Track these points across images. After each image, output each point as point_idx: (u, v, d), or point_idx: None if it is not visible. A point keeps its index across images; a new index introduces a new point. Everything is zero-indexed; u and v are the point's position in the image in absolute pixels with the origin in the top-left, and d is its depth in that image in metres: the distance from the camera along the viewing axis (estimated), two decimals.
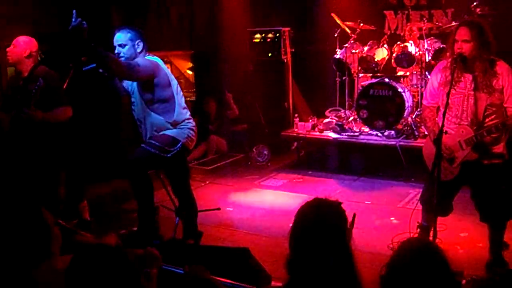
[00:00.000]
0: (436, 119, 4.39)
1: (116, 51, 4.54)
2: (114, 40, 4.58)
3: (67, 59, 5.71)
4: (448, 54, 4.33)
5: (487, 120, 4.14)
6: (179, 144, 4.69)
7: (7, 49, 5.13)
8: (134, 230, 5.29)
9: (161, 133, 4.69)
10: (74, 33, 4.02)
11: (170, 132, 4.69)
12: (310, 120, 8.16)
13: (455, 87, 4.14)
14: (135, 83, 4.69)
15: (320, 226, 2.33)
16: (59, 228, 2.71)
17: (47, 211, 2.66)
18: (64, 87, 5.37)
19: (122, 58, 4.51)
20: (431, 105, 4.46)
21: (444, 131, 3.94)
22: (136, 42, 4.58)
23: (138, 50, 4.59)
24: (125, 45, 4.54)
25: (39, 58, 5.26)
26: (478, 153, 4.16)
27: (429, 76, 6.15)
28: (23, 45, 5.11)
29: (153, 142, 4.64)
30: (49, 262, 2.53)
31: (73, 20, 4.02)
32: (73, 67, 5.49)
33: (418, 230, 4.69)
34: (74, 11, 4.03)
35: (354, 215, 2.52)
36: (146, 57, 4.63)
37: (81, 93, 6.14)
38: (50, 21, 7.06)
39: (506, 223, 4.32)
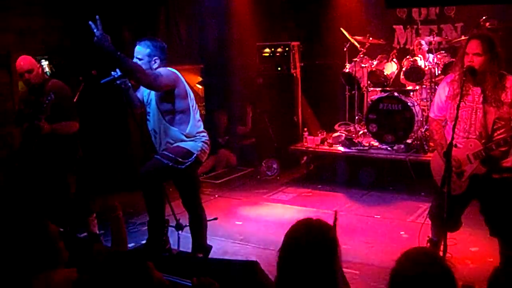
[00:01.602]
0: (444, 132, 4.38)
1: None
2: (135, 51, 4.59)
3: (78, 73, 5.78)
4: (457, 67, 4.31)
5: (495, 134, 4.11)
6: (193, 157, 4.70)
7: (28, 76, 5.13)
8: (142, 244, 5.30)
9: (175, 144, 4.69)
10: (99, 44, 4.08)
11: (185, 144, 4.69)
12: (320, 134, 8.15)
13: (464, 100, 4.12)
14: (152, 93, 4.70)
15: (309, 250, 2.27)
16: (76, 240, 2.73)
17: (52, 224, 2.69)
18: (75, 100, 5.43)
19: None
20: (438, 118, 4.44)
21: (454, 144, 3.92)
22: (154, 59, 4.58)
23: (154, 67, 4.57)
24: (141, 59, 4.55)
25: (50, 71, 5.31)
26: (486, 167, 4.13)
27: None
28: (35, 63, 5.19)
29: (167, 153, 4.65)
30: (49, 273, 2.55)
31: (96, 31, 4.08)
32: (83, 81, 5.56)
33: (428, 245, 4.66)
34: (91, 22, 4.07)
35: (336, 214, 2.48)
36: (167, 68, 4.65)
37: (92, 106, 6.19)
38: (61, 34, 7.15)
39: None
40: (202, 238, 4.99)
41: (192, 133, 4.72)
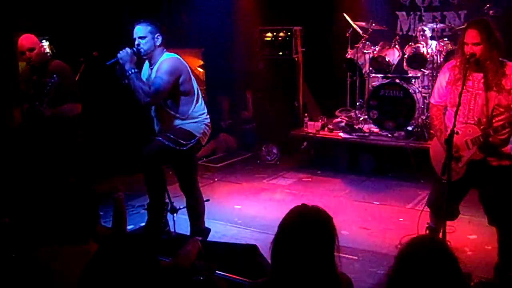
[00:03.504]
0: (444, 118, 4.38)
1: (135, 43, 4.57)
2: (134, 32, 4.60)
3: (79, 54, 5.75)
4: (458, 54, 4.29)
5: (494, 120, 4.10)
6: (195, 139, 4.73)
7: (29, 55, 5.09)
8: (141, 226, 5.32)
9: (178, 126, 4.70)
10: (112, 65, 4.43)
11: (187, 126, 4.70)
12: (320, 120, 8.15)
13: (464, 86, 4.12)
14: (152, 76, 4.68)
15: (304, 237, 2.23)
16: None
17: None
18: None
19: (142, 50, 4.55)
20: (438, 104, 4.44)
21: (455, 131, 3.92)
22: (156, 35, 4.60)
23: (157, 44, 4.61)
24: (145, 37, 4.56)
25: (51, 52, 5.28)
26: (484, 153, 4.13)
27: None
28: (37, 42, 5.15)
29: (169, 135, 4.66)
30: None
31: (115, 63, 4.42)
32: (84, 62, 5.53)
33: (427, 231, 4.68)
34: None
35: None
36: (166, 55, 4.65)
37: (92, 87, 6.17)
38: (62, 15, 7.10)
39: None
40: (200, 221, 5.01)
41: (194, 115, 4.73)
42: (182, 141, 4.64)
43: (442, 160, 4.14)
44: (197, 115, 4.76)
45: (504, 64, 4.07)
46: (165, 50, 4.68)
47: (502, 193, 4.18)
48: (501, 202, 4.19)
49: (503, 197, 4.18)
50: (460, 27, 7.28)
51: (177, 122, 4.72)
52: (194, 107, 4.74)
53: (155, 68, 4.62)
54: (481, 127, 4.09)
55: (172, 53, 4.73)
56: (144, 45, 4.56)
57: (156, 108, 4.78)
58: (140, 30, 4.58)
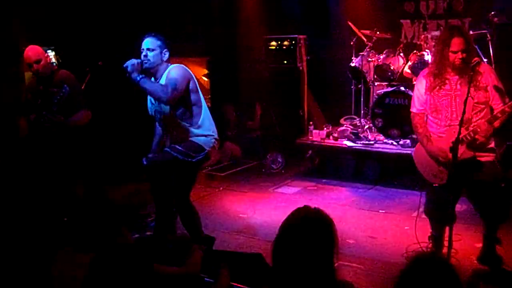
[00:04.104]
0: (426, 125, 4.48)
1: (142, 54, 4.60)
2: (144, 43, 4.63)
3: (84, 63, 5.78)
4: (435, 61, 4.37)
5: (475, 118, 4.21)
6: (204, 152, 4.77)
7: (36, 67, 5.13)
8: (147, 235, 5.32)
9: (189, 139, 4.73)
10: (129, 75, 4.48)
11: (197, 139, 4.74)
12: (325, 128, 8.14)
13: (442, 90, 4.28)
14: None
15: (305, 239, 2.24)
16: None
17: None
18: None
19: (147, 63, 4.58)
20: (420, 112, 4.52)
21: (432, 134, 4.17)
22: (164, 51, 4.64)
23: (164, 59, 4.65)
24: (153, 50, 4.59)
25: (57, 62, 5.31)
26: (473, 150, 4.20)
27: None
28: (42, 53, 5.18)
29: (179, 147, 4.69)
30: None
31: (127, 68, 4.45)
32: (89, 71, 5.56)
33: (430, 241, 4.66)
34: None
35: None
36: (171, 66, 4.68)
37: (98, 96, 6.19)
38: (67, 25, 7.15)
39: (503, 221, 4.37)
40: (199, 230, 5.00)
41: (204, 126, 4.76)
42: (192, 154, 4.68)
43: (428, 164, 4.37)
44: (207, 126, 4.79)
45: (479, 63, 4.16)
46: (169, 64, 4.71)
47: (486, 185, 4.25)
48: (486, 195, 4.26)
49: (488, 190, 4.25)
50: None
51: (189, 132, 4.73)
52: (203, 118, 4.77)
53: (161, 80, 4.63)
54: (465, 126, 4.13)
55: (180, 65, 4.76)
56: (151, 57, 4.58)
57: (165, 121, 4.79)
58: (150, 42, 4.62)
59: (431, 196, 4.52)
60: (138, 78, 4.45)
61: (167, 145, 4.82)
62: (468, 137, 4.15)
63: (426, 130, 4.44)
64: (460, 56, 4.15)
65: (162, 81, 4.60)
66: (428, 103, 4.39)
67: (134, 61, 4.48)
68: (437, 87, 4.27)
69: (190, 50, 8.51)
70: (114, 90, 6.88)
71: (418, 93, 4.50)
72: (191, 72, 4.75)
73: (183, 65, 4.74)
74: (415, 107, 4.55)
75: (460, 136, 4.11)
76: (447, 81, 4.26)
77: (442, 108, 4.29)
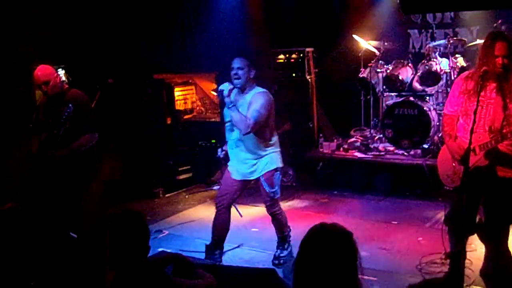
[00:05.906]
0: (455, 125, 4.40)
1: (233, 72, 5.04)
2: (233, 63, 5.06)
3: (94, 81, 5.83)
4: (478, 66, 4.23)
5: (504, 130, 4.10)
6: (279, 173, 5.43)
7: (45, 88, 5.19)
8: (158, 251, 5.30)
9: (261, 159, 5.21)
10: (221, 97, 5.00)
11: (270, 159, 5.25)
12: (335, 140, 8.13)
13: (476, 94, 4.14)
14: (245, 105, 5.05)
15: (328, 256, 2.24)
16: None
17: None
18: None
19: (238, 84, 5.04)
20: (450, 113, 4.46)
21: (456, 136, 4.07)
22: (251, 70, 5.09)
23: (251, 76, 5.09)
24: (243, 68, 5.04)
25: (67, 80, 5.35)
26: (489, 159, 4.12)
27: None
28: (51, 74, 5.22)
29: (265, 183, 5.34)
30: None
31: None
32: (100, 89, 5.60)
33: (448, 259, 4.59)
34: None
35: None
36: (258, 88, 5.12)
37: (108, 114, 6.24)
38: (77, 43, 7.22)
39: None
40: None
41: (273, 139, 5.25)
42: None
43: (445, 165, 4.36)
44: (275, 139, 5.30)
45: None
46: (255, 84, 5.13)
47: (503, 204, 4.16)
48: (501, 213, 4.17)
49: (503, 209, 4.16)
50: (473, 43, 7.29)
51: (258, 148, 5.15)
52: (270, 130, 5.20)
53: (248, 97, 5.03)
54: (491, 135, 4.09)
55: (262, 88, 5.16)
56: (241, 75, 5.02)
57: (245, 140, 5.08)
58: (239, 61, 5.05)
59: (453, 205, 4.44)
60: (230, 105, 4.91)
61: (235, 160, 5.26)
62: (489, 145, 4.08)
63: (452, 129, 4.38)
64: (501, 62, 4.07)
65: (248, 97, 5.02)
66: (460, 106, 4.33)
67: (229, 85, 4.95)
68: (472, 91, 4.18)
69: (199, 65, 8.54)
70: (124, 108, 6.92)
71: (452, 95, 4.47)
72: (271, 97, 5.15)
73: (267, 92, 5.16)
74: (447, 108, 4.53)
75: (482, 143, 4.10)
76: (483, 87, 4.15)
77: (471, 113, 4.12)
